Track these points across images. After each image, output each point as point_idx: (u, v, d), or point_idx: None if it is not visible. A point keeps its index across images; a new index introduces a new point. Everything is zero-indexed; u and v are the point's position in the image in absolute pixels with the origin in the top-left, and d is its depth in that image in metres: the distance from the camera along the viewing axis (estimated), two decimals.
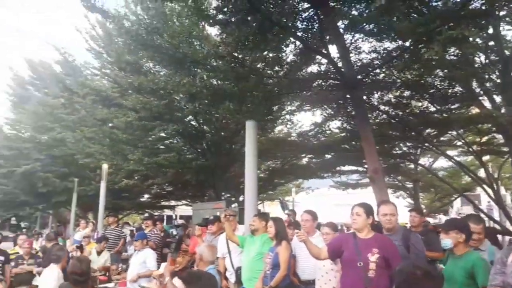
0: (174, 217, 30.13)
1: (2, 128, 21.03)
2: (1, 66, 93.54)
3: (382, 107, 9.96)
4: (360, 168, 14.92)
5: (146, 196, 20.78)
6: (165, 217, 21.08)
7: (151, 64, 12.54)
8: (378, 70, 8.27)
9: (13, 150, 18.73)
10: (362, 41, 7.81)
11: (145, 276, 5.76)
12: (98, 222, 12.85)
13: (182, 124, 12.89)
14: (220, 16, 6.73)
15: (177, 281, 2.57)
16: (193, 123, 13.74)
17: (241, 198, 14.23)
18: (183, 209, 25.76)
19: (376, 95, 9.65)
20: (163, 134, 14.03)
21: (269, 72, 8.52)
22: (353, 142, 11.46)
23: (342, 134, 11.99)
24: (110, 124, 13.75)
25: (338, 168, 15.06)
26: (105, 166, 13.63)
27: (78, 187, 17.50)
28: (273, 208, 25.82)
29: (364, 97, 8.99)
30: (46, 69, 20.46)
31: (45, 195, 19.39)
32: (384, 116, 10.20)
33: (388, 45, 7.52)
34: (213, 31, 9.33)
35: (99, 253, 7.51)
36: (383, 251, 3.24)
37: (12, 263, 6.58)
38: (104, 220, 13.81)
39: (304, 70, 8.98)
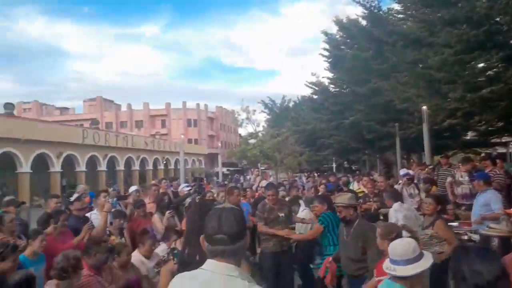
0: (508, 154, 26.53)
1: (328, 88, 24.60)
2: (317, 33, 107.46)
3: None
4: None
5: (470, 133, 19.33)
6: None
7: None
8: None
9: (338, 105, 21.66)
10: None
11: (491, 219, 5.56)
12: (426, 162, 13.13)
13: (509, 49, 11.03)
14: None
15: None
16: None
17: None
18: None
19: None
20: (483, 65, 12.53)
21: None
22: None
23: None
24: (421, 65, 13.52)
25: None
26: (424, 108, 13.61)
27: (399, 131, 18.39)
28: None
29: None
30: (354, 26, 22.07)
31: (370, 140, 21.53)
32: None
33: None
34: None
35: None
36: None
37: (361, 200, 7.81)
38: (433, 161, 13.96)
39: None
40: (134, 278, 4.28)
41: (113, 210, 5.64)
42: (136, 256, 4.59)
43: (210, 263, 1.61)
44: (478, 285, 1.35)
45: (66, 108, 66.14)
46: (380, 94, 19.16)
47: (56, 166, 25.33)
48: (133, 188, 7.88)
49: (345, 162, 41.03)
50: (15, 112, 28.39)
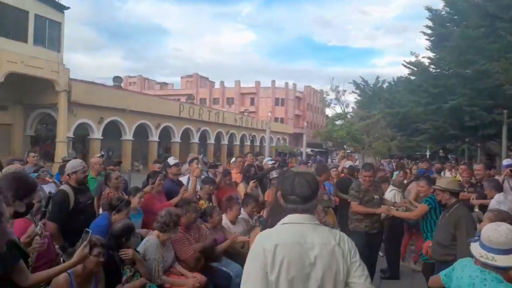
0: None
1: (428, 68, 22.75)
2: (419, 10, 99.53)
3: None
4: None
5: None
6: None
7: None
8: None
9: (439, 87, 19.96)
10: None
11: None
12: None
13: None
14: None
15: None
16: None
17: None
18: None
19: None
20: None
21: None
22: None
23: None
24: None
25: None
26: None
27: (506, 119, 16.49)
28: None
29: None
30: (464, 1, 19.97)
31: (472, 128, 19.61)
32: None
33: None
34: None
35: None
36: None
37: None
38: None
39: None
40: (222, 238, 4.57)
41: (203, 177, 6.03)
42: (223, 220, 4.87)
43: (294, 217, 1.84)
44: None
45: (165, 83, 71.11)
46: (488, 77, 17.26)
47: (155, 136, 27.59)
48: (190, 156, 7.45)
49: (441, 151, 37.97)
50: (122, 85, 31.24)
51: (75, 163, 4.27)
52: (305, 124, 41.01)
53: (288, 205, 1.86)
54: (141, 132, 26.76)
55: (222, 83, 61.16)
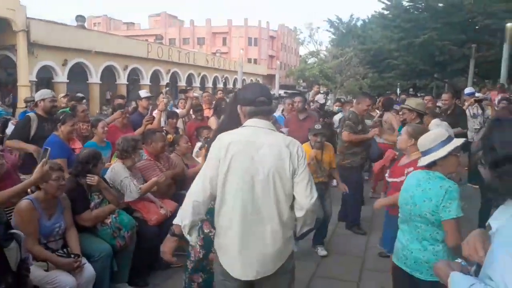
0: None
1: (401, 2, 22.35)
2: None
3: None
4: None
5: None
6: None
7: None
8: None
9: (411, 22, 19.80)
10: None
11: None
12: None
13: None
14: None
15: None
16: None
17: None
18: None
19: None
20: None
21: None
22: None
23: None
24: None
25: None
26: (509, 26, 12.13)
27: (475, 53, 16.72)
28: None
29: None
30: None
31: (441, 63, 19.86)
32: None
33: None
34: None
35: None
36: None
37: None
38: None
39: None
40: (192, 167, 4.60)
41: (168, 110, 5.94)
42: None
43: (253, 121, 2.01)
44: (508, 156, 1.28)
45: (132, 23, 67.47)
46: (460, 10, 17.19)
47: (123, 79, 26.62)
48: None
49: (411, 89, 38.57)
50: (85, 25, 29.38)
51: (44, 92, 4.31)
52: (278, 63, 40.26)
53: (254, 108, 2.01)
54: (109, 75, 25.74)
55: (192, 22, 58.52)
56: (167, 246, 2.05)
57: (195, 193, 1.96)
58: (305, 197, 1.93)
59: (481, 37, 17.13)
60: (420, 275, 2.32)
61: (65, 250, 2.92)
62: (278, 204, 1.93)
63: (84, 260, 2.93)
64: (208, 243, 2.61)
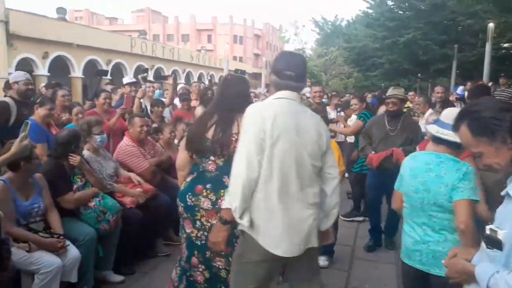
0: None
1: (385, 1, 22.61)
2: None
3: None
4: None
5: None
6: None
7: None
8: None
9: (395, 21, 20.06)
10: None
11: None
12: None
13: None
14: None
15: None
16: None
17: None
18: None
19: None
20: None
21: None
22: None
23: None
24: None
25: None
26: (491, 25, 12.34)
27: (458, 54, 17.01)
28: None
29: None
30: None
31: (424, 63, 20.17)
32: None
33: None
34: None
35: None
36: None
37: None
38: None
39: None
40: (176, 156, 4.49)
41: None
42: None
43: (281, 93, 1.93)
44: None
45: (115, 18, 66.46)
46: (442, 10, 17.47)
47: (107, 73, 26.14)
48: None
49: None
50: (67, 18, 28.74)
51: (17, 73, 4.05)
52: (264, 60, 40.19)
53: (278, 80, 1.93)
54: (91, 69, 25.24)
55: (176, 18, 57.95)
56: (220, 236, 1.92)
57: (242, 172, 1.79)
58: (335, 168, 2.02)
59: (463, 37, 17.45)
60: (439, 271, 1.98)
61: (48, 231, 2.81)
62: (316, 177, 1.95)
63: (67, 242, 2.81)
64: (190, 245, 2.45)
